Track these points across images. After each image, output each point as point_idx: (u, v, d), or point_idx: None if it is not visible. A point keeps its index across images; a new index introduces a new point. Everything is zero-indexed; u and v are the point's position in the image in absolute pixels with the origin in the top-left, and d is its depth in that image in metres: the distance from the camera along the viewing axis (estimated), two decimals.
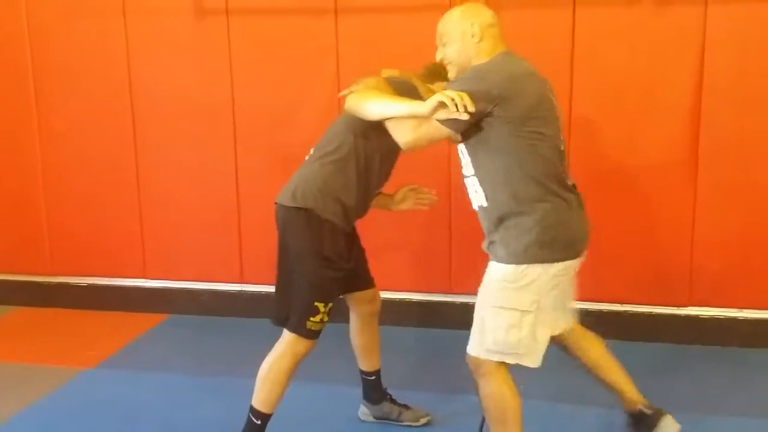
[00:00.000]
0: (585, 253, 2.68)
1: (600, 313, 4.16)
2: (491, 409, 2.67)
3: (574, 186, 2.66)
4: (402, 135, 2.52)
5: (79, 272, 4.79)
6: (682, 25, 3.86)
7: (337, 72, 4.22)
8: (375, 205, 3.09)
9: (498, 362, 2.61)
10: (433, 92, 2.60)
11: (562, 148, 2.63)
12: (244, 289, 4.58)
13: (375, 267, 4.41)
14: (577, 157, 4.03)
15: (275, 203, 2.89)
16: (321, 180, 2.80)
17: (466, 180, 2.67)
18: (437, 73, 2.93)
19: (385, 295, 4.39)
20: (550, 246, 2.52)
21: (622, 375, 2.93)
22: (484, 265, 4.23)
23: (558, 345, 2.88)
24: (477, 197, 2.63)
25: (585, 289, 4.12)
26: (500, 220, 2.55)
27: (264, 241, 4.40)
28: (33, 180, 4.72)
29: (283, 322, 2.86)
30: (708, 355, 4.00)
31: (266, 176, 4.32)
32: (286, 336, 2.85)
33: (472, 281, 4.23)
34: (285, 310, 2.86)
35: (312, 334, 2.82)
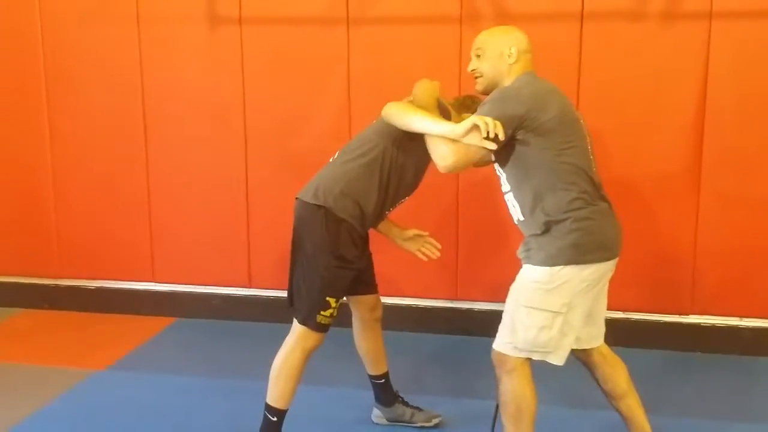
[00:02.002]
0: (617, 258, 2.74)
1: (608, 321, 4.21)
2: (509, 405, 2.74)
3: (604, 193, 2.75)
4: (442, 158, 2.57)
5: (88, 275, 4.83)
6: (687, 39, 3.95)
7: (347, 81, 4.29)
8: (381, 230, 3.18)
9: (524, 359, 2.70)
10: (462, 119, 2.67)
11: (591, 156, 2.73)
12: (252, 293, 4.63)
13: (381, 272, 4.48)
14: None
15: (296, 198, 2.96)
16: (344, 181, 2.87)
17: (505, 196, 2.78)
18: (466, 106, 3.06)
19: (390, 300, 4.50)
20: (583, 248, 2.60)
21: (641, 409, 2.99)
22: (490, 273, 4.33)
23: (585, 364, 2.96)
24: (515, 212, 2.74)
25: None
26: (538, 234, 2.65)
27: (272, 246, 4.50)
28: (43, 184, 4.77)
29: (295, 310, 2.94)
30: (709, 363, 4.06)
31: (276, 182, 4.39)
32: (296, 330, 2.90)
33: (477, 288, 4.36)
34: (297, 301, 2.93)
35: (322, 328, 2.89)
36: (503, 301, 4.31)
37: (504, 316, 2.78)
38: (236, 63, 4.38)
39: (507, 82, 2.71)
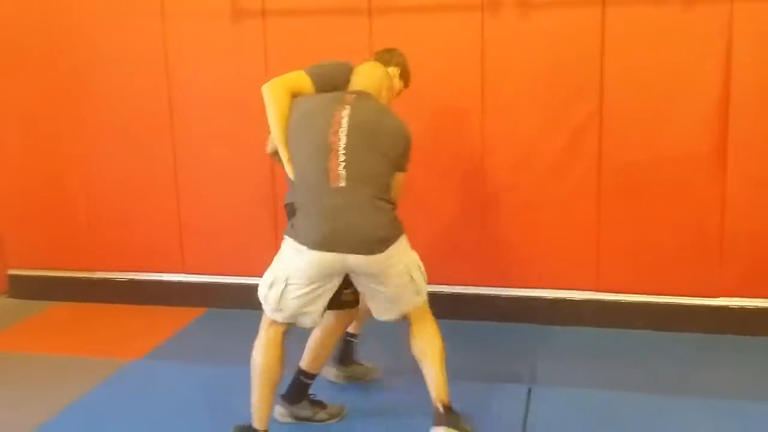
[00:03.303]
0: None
1: (633, 304, 4.25)
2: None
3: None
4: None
5: (119, 268, 4.92)
6: (709, 21, 3.94)
7: None
8: None
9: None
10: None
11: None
12: None
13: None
14: (608, 151, 4.14)
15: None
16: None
17: None
18: (386, 60, 3.41)
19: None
20: None
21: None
22: (516, 258, 4.35)
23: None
24: None
25: (617, 281, 4.27)
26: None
27: None
28: (73, 178, 4.86)
29: None
30: (739, 345, 4.07)
31: None
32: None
33: (502, 273, 4.39)
34: None
35: (349, 304, 3.18)
36: (528, 286, 4.39)
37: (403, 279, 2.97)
38: (259, 55, 4.42)
39: None
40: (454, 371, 3.74)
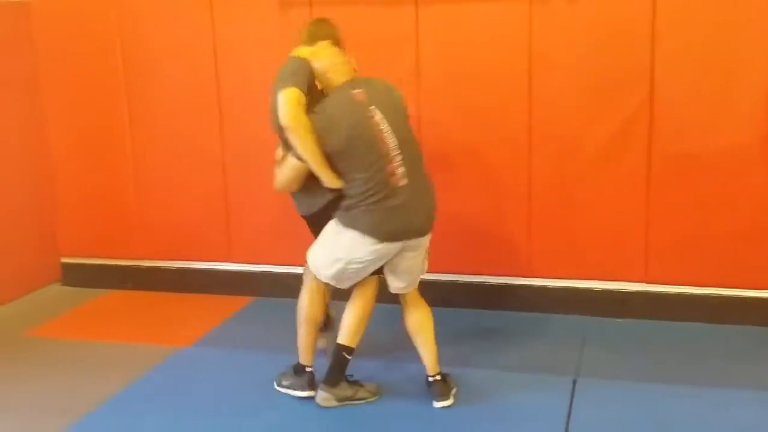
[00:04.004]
0: None
1: (683, 296, 4.18)
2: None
3: None
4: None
5: (168, 257, 4.99)
6: (764, 4, 3.83)
7: (416, 61, 4.31)
8: None
9: None
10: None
11: None
12: None
13: (456, 248, 4.51)
14: (659, 140, 4.07)
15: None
16: None
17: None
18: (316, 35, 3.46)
19: (465, 278, 4.53)
20: None
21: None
22: (564, 249, 4.31)
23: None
24: None
25: (667, 272, 4.19)
26: None
27: None
28: (124, 169, 4.94)
29: None
30: None
31: None
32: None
33: (550, 264, 4.35)
34: None
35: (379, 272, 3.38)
36: (574, 278, 4.33)
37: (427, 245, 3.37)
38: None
39: None
40: (500, 361, 3.78)
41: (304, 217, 3.48)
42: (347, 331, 3.37)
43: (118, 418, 3.38)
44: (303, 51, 3.35)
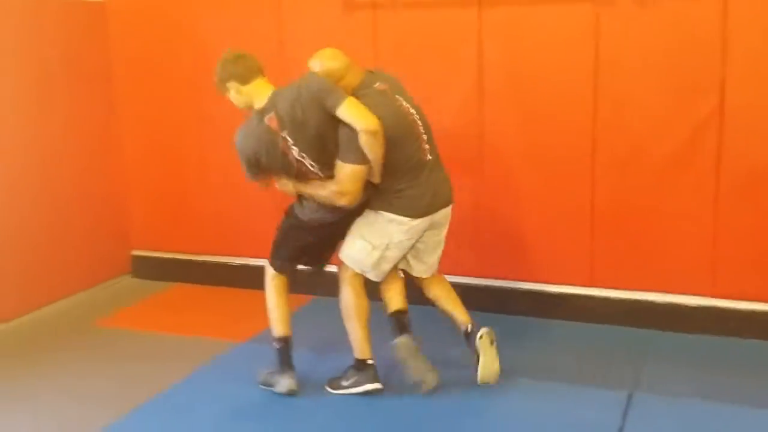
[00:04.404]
0: None
1: (752, 313, 4.03)
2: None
3: None
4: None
5: (232, 252, 5.10)
6: None
7: (479, 64, 4.27)
8: None
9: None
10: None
11: None
12: None
13: (514, 254, 4.45)
14: (729, 149, 3.92)
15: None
16: None
17: None
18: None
19: (524, 285, 4.46)
20: None
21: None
22: (627, 260, 4.19)
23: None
24: None
25: (735, 287, 4.03)
26: None
27: None
28: (193, 167, 5.07)
29: None
30: None
31: None
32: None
33: (613, 274, 4.24)
34: None
35: None
36: (637, 289, 4.20)
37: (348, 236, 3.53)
38: (368, 47, 4.43)
39: None
40: (555, 372, 3.71)
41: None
42: (395, 299, 3.62)
43: (167, 412, 3.47)
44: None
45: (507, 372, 3.58)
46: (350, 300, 3.53)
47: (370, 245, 3.43)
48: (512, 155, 4.33)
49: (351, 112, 3.19)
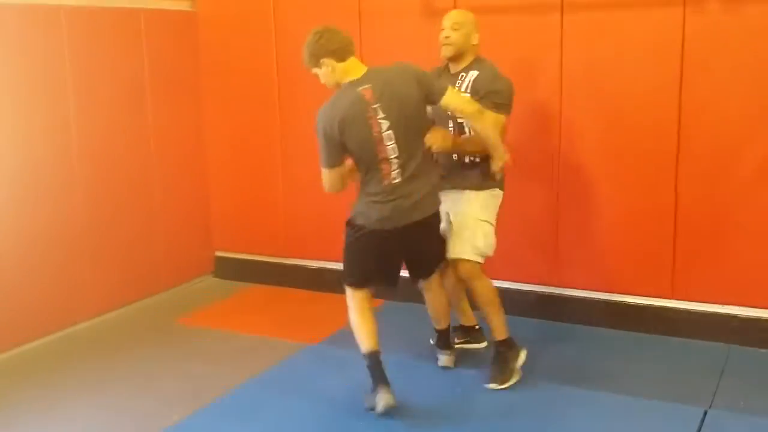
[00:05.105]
0: None
1: None
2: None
3: None
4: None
5: (310, 256, 5.18)
6: None
7: (560, 68, 4.21)
8: None
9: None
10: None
11: None
12: None
13: (591, 263, 4.34)
14: None
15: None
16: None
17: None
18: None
19: (603, 296, 4.35)
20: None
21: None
22: (709, 272, 4.03)
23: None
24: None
25: None
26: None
27: None
28: (275, 173, 5.18)
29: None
30: None
31: None
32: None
33: (695, 286, 4.09)
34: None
35: None
36: (719, 302, 4.03)
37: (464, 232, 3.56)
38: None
39: (469, 57, 3.63)
40: (630, 385, 3.61)
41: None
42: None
43: (229, 414, 3.51)
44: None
45: (582, 383, 3.51)
46: (490, 286, 3.64)
47: (491, 225, 3.62)
48: (589, 161, 4.26)
49: (457, 99, 3.37)
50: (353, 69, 3.31)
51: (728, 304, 4.03)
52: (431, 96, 3.32)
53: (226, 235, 5.48)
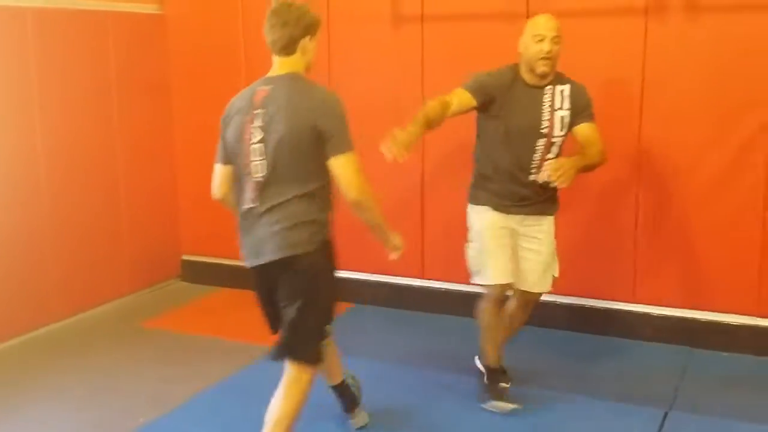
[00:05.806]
0: None
1: None
2: None
3: None
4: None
5: None
6: None
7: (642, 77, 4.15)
8: None
9: None
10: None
11: None
12: (424, 284, 4.75)
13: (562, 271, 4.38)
14: None
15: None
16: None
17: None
18: None
19: (565, 299, 4.41)
20: None
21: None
22: (670, 276, 4.09)
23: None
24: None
25: None
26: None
27: (445, 239, 4.57)
28: None
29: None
30: None
31: (450, 176, 4.45)
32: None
33: (655, 291, 4.17)
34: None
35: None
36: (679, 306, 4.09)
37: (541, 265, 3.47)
38: (417, 59, 4.48)
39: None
40: (591, 387, 3.67)
41: None
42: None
43: (201, 413, 3.54)
44: None
45: (543, 385, 3.56)
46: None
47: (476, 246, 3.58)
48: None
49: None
50: (278, 66, 2.90)
51: (689, 308, 4.12)
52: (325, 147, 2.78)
53: (194, 238, 5.47)
